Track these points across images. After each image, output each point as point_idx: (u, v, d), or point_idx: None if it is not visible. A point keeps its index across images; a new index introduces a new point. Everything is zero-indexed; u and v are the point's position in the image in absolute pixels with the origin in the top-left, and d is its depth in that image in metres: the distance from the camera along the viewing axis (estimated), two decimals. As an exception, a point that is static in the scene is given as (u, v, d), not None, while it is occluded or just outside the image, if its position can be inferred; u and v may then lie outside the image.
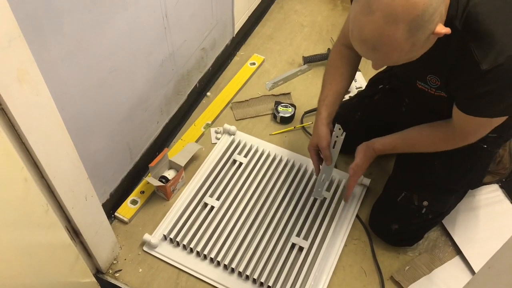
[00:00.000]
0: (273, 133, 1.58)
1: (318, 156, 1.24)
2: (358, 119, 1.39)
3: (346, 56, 1.19)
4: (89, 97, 1.08)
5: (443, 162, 1.19)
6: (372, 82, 1.43)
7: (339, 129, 1.15)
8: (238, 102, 1.67)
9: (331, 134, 1.18)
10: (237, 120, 1.62)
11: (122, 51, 1.15)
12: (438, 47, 0.89)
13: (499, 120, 0.97)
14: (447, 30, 0.79)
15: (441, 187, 1.19)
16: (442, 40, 0.85)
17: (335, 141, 1.20)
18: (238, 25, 1.82)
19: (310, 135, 1.58)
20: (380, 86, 1.38)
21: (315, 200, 1.36)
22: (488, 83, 0.86)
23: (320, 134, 1.18)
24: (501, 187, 1.41)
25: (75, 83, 1.02)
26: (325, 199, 1.37)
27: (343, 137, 1.18)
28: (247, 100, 1.67)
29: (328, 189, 1.40)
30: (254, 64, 1.80)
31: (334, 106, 1.20)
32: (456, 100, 0.98)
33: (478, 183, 1.27)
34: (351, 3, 1.01)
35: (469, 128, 1.02)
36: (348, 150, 1.48)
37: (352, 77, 1.22)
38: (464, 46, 0.86)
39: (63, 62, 0.96)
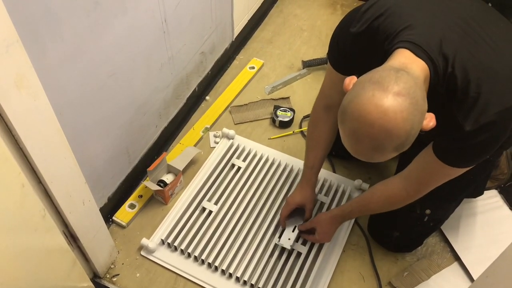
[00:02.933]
0: (272, 137, 1.58)
1: (290, 213, 1.28)
2: None
3: (327, 120, 1.19)
4: (87, 101, 1.08)
5: None
6: None
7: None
8: (237, 106, 1.66)
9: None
10: (236, 124, 1.62)
11: (121, 56, 1.15)
12: None
13: (458, 173, 0.95)
14: (433, 124, 0.78)
15: (444, 197, 1.18)
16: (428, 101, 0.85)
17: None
18: (237, 29, 1.82)
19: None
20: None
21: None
22: (471, 140, 0.86)
23: (308, 196, 1.26)
24: (500, 192, 1.41)
25: (74, 88, 1.02)
26: (322, 203, 1.37)
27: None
28: (246, 104, 1.67)
29: (326, 194, 1.39)
30: (253, 68, 1.80)
31: (320, 170, 1.26)
32: (436, 146, 0.95)
33: (480, 192, 1.26)
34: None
35: (430, 177, 0.99)
36: (346, 155, 1.48)
37: (334, 135, 1.22)
38: (447, 107, 0.86)
39: (62, 67, 0.96)
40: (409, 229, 1.23)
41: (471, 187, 1.21)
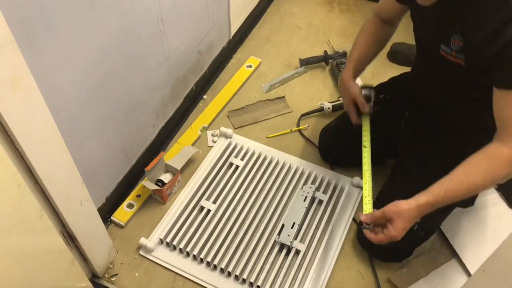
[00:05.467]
0: (269, 136, 1.58)
1: (356, 108, 1.25)
2: (356, 131, 1.29)
3: (378, 24, 1.25)
4: (84, 101, 1.08)
5: (437, 178, 1.16)
6: None
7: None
8: (234, 110, 1.65)
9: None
10: (236, 128, 1.61)
11: (117, 55, 1.15)
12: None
13: None
14: None
15: None
16: None
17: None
18: (234, 28, 1.82)
19: (307, 138, 1.57)
20: (381, 96, 1.35)
21: (312, 203, 1.36)
22: None
23: (351, 85, 1.23)
24: (497, 189, 1.41)
25: (70, 88, 1.02)
26: (320, 202, 1.37)
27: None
28: (243, 108, 1.66)
29: (324, 192, 1.39)
30: (250, 66, 1.80)
31: (360, 63, 1.25)
32: (493, 77, 0.88)
33: (471, 201, 1.23)
34: None
35: None
36: (343, 163, 1.47)
37: (380, 45, 1.27)
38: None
39: (57, 67, 0.95)
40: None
41: None
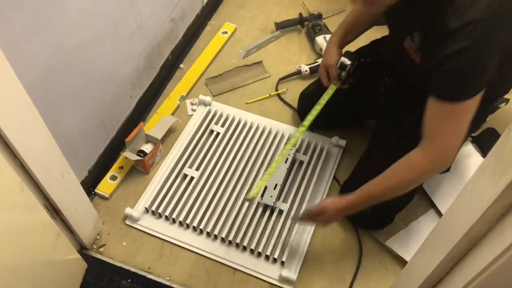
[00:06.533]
0: (248, 102, 1.59)
1: (328, 75, 1.27)
2: (333, 95, 1.29)
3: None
4: (56, 74, 1.06)
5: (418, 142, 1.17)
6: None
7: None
8: (211, 77, 1.64)
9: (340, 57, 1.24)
10: (214, 96, 1.60)
11: (87, 25, 1.12)
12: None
13: (466, 111, 0.91)
14: None
15: None
16: None
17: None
18: (207, -6, 1.79)
19: (285, 102, 1.58)
20: (362, 59, 1.33)
21: (292, 164, 1.39)
22: (460, 43, 0.82)
23: (330, 52, 1.23)
24: (471, 142, 1.45)
25: (41, 61, 1.00)
26: (301, 163, 1.40)
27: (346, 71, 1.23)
28: (221, 74, 1.65)
29: (305, 153, 1.42)
30: (226, 33, 1.78)
31: (352, 29, 1.24)
32: (432, 88, 0.92)
33: (447, 168, 1.27)
34: None
35: (442, 128, 0.93)
36: (322, 125, 1.47)
37: (377, 16, 1.22)
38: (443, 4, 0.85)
39: (26, 38, 0.93)
40: (381, 204, 1.17)
41: None
